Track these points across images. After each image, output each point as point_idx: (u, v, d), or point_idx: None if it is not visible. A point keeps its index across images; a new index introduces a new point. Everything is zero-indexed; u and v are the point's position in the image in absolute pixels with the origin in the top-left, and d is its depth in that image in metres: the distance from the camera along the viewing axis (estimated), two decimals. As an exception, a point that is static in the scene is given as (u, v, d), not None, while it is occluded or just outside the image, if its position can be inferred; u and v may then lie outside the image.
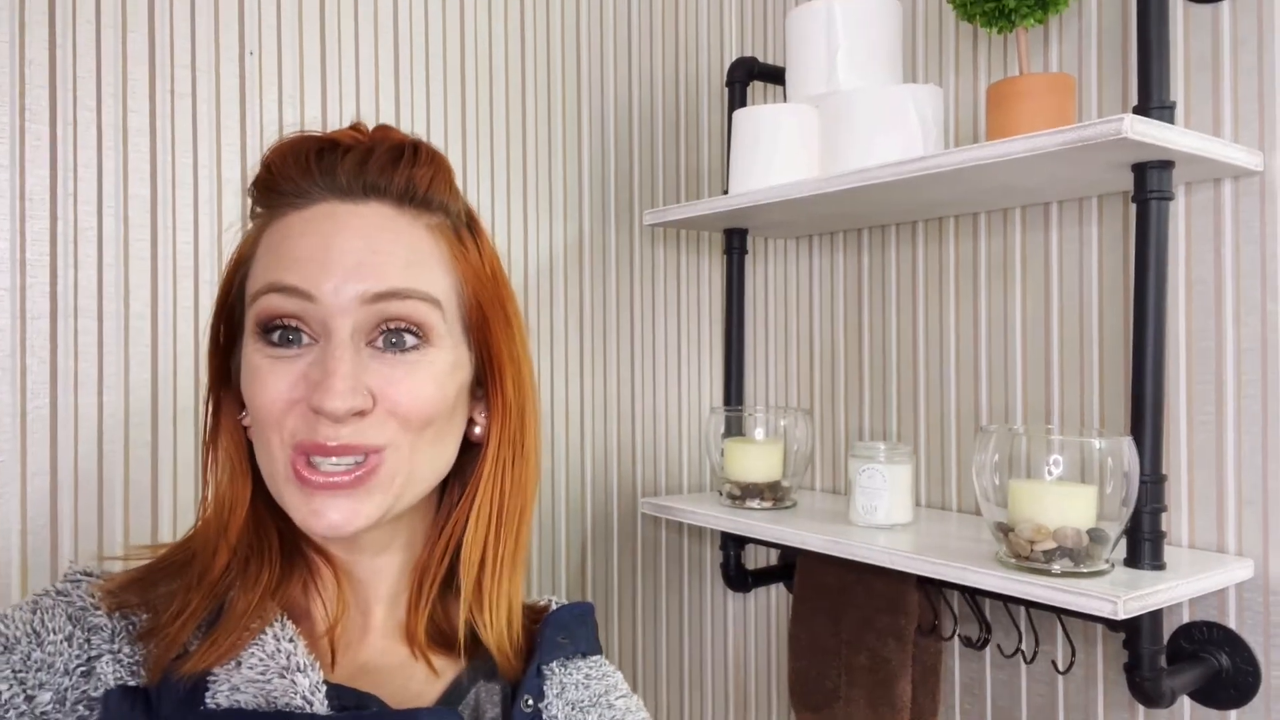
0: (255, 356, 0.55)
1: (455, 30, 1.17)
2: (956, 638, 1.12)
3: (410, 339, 0.56)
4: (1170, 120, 0.84)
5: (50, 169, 0.92)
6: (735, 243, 1.31)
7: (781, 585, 1.39)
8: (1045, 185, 0.98)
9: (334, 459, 0.53)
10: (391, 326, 0.55)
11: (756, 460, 1.17)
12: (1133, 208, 0.87)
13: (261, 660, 0.53)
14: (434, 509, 0.64)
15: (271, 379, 0.54)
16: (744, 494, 1.17)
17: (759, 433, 1.20)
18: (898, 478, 1.04)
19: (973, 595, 1.07)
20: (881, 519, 1.03)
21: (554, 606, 0.68)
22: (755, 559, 1.41)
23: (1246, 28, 0.91)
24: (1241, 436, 0.91)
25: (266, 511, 0.59)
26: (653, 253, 1.36)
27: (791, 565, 1.27)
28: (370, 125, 0.60)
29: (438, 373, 0.56)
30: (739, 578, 1.31)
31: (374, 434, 0.54)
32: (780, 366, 1.40)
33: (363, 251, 0.55)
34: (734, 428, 1.23)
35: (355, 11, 1.10)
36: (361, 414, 0.53)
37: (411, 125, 1.14)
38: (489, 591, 0.61)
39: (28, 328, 0.91)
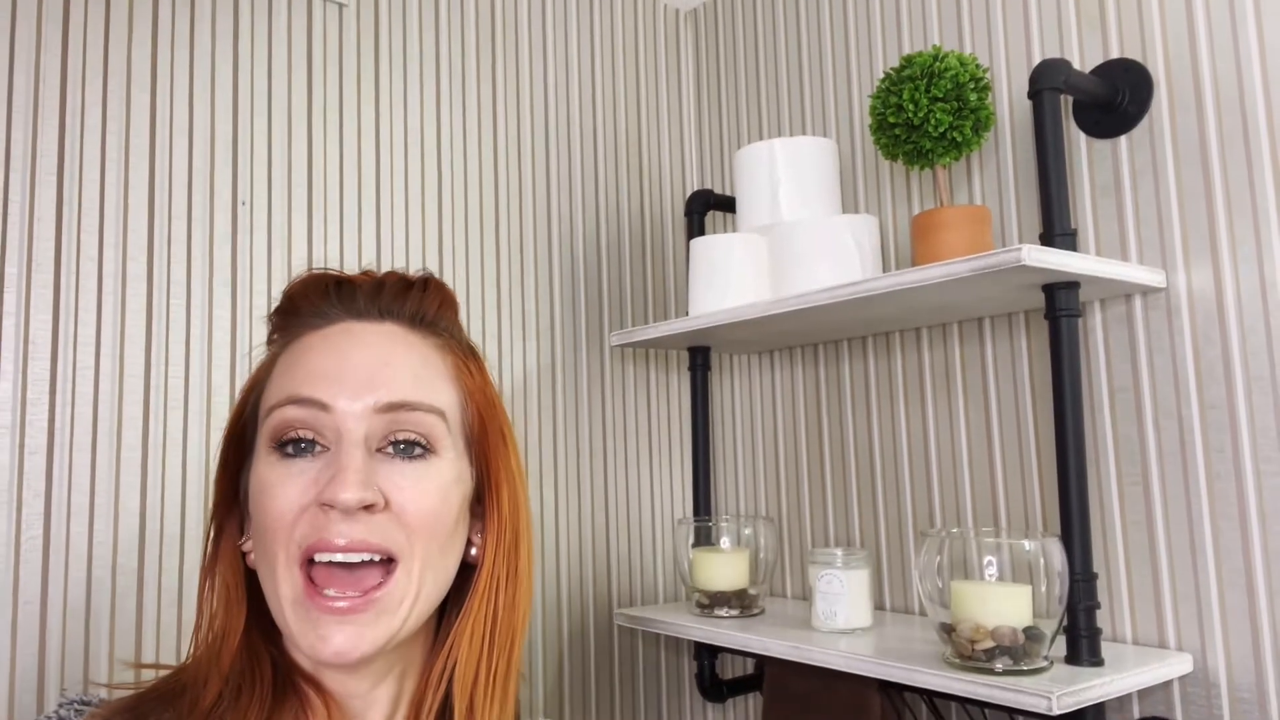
0: (267, 470, 0.57)
1: (433, 172, 1.28)
2: (923, 741, 1.14)
3: (418, 448, 0.59)
4: (1072, 245, 0.92)
5: (53, 314, 1.00)
6: (699, 360, 1.38)
7: (758, 694, 1.40)
8: (974, 304, 1.06)
9: (344, 569, 0.55)
10: (400, 437, 0.58)
11: (723, 569, 1.22)
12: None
13: None
14: (431, 638, 0.64)
15: (282, 488, 0.56)
16: (712, 602, 1.21)
17: (725, 541, 1.25)
18: (855, 582, 1.08)
19: (933, 698, 1.10)
20: (841, 624, 1.07)
21: None
22: (732, 669, 1.43)
23: (1142, 160, 1.01)
24: (1171, 535, 0.97)
25: (261, 640, 0.59)
26: (622, 371, 1.43)
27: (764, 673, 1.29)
28: (353, 264, 0.63)
29: (442, 483, 0.59)
30: (714, 688, 1.33)
31: (385, 534, 0.55)
32: (747, 477, 1.45)
33: (375, 365, 0.59)
34: (702, 537, 1.27)
35: (340, 160, 1.20)
36: (371, 509, 0.55)
37: (392, 259, 1.23)
38: (480, 713, 0.60)
39: (25, 462, 0.97)
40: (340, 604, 0.54)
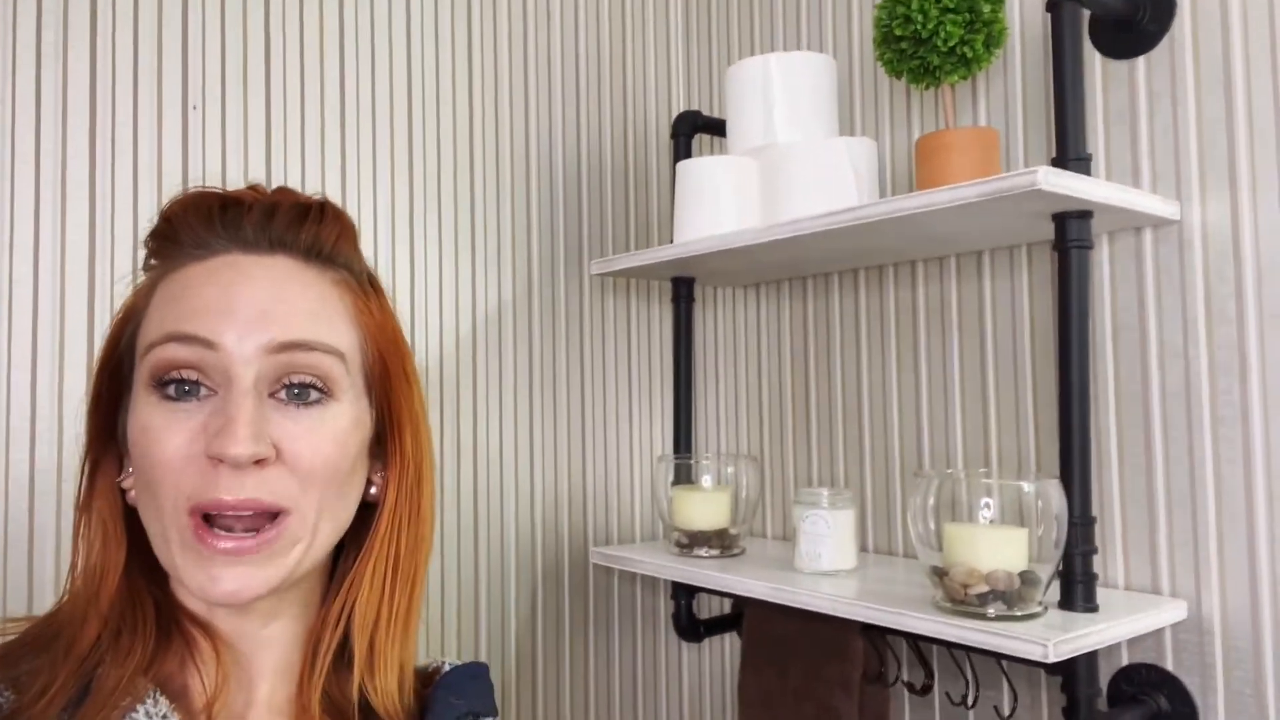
0: (149, 411, 0.53)
1: (402, 81, 1.19)
2: (902, 685, 1.12)
3: (314, 393, 0.55)
4: (1087, 171, 0.87)
5: (-15, 222, 0.91)
6: (683, 291, 1.32)
7: (735, 634, 1.38)
8: (976, 234, 1.00)
9: (234, 518, 0.52)
10: (295, 381, 0.54)
11: (704, 508, 1.17)
12: (1056, 256, 0.90)
13: None
14: (326, 576, 0.62)
15: (167, 434, 0.52)
16: (692, 542, 1.17)
17: (706, 480, 1.21)
18: (841, 523, 1.04)
19: (917, 641, 1.07)
20: (825, 565, 1.03)
21: (446, 668, 0.66)
22: (709, 608, 1.40)
23: (1161, 83, 0.94)
24: (1170, 479, 0.93)
25: (142, 580, 0.56)
26: (602, 302, 1.37)
27: (744, 614, 1.26)
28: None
29: (340, 429, 0.56)
30: (691, 628, 1.30)
31: (277, 489, 0.53)
32: (729, 413, 1.41)
33: (267, 301, 0.54)
34: (683, 475, 1.23)
35: (301, 65, 1.11)
36: (263, 463, 0.52)
37: (358, 177, 1.15)
38: (381, 654, 0.59)
39: (-43, 382, 0.90)
40: (229, 544, 0.51)
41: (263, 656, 0.59)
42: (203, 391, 0.53)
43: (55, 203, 0.95)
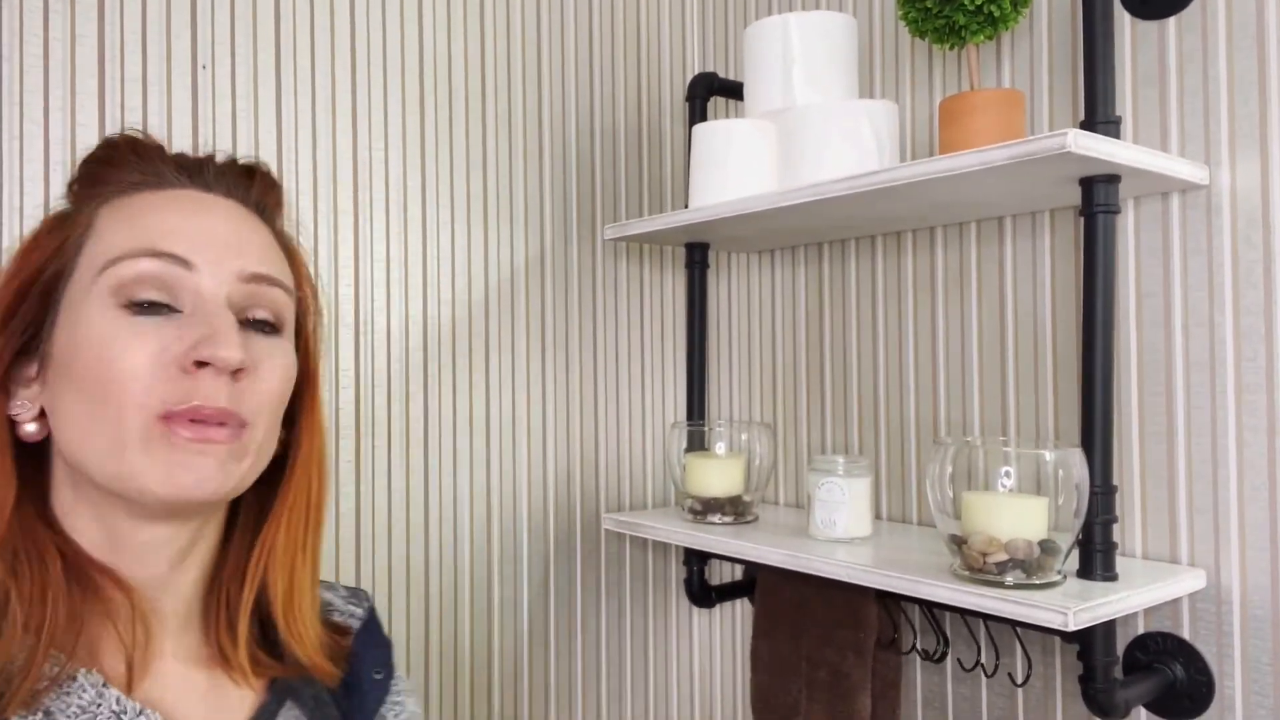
0: (111, 325, 0.52)
1: (414, 43, 1.17)
2: (915, 651, 1.12)
3: (268, 327, 0.58)
4: (1116, 134, 0.85)
5: (-6, 184, 0.90)
6: (697, 257, 1.31)
7: (746, 600, 1.38)
8: (998, 200, 0.99)
9: (208, 429, 0.53)
10: (255, 316, 0.57)
11: (717, 475, 1.17)
12: (1082, 221, 0.88)
13: (82, 709, 0.50)
14: (222, 530, 0.62)
15: (137, 341, 0.51)
16: (705, 509, 1.17)
17: (720, 447, 1.20)
18: (856, 491, 1.04)
19: (930, 608, 1.07)
20: (840, 533, 1.03)
21: (353, 623, 0.69)
22: (720, 574, 1.40)
23: (1192, 44, 0.92)
24: (1191, 448, 0.92)
25: (38, 522, 0.53)
26: (615, 267, 1.35)
27: (755, 580, 1.27)
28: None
29: (287, 365, 0.58)
30: (702, 594, 1.31)
31: (247, 401, 0.54)
32: (743, 380, 1.40)
33: (232, 234, 0.57)
34: (696, 442, 1.22)
35: (311, 26, 1.09)
36: (239, 375, 0.54)
37: (369, 140, 1.13)
38: (297, 600, 0.61)
39: None
40: (202, 433, 0.52)
41: (167, 604, 0.57)
42: (165, 310, 0.54)
43: (64, 165, 0.94)
